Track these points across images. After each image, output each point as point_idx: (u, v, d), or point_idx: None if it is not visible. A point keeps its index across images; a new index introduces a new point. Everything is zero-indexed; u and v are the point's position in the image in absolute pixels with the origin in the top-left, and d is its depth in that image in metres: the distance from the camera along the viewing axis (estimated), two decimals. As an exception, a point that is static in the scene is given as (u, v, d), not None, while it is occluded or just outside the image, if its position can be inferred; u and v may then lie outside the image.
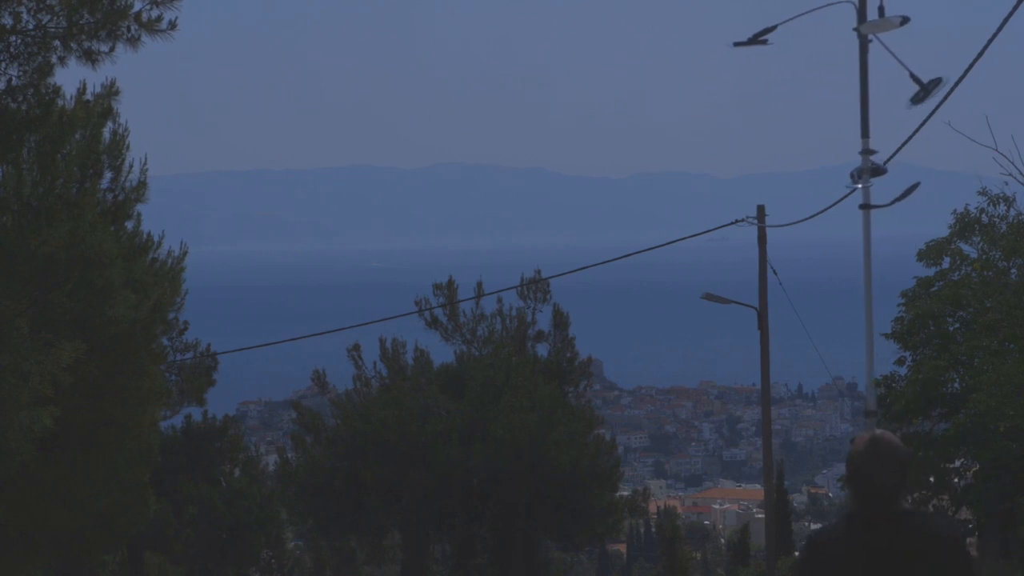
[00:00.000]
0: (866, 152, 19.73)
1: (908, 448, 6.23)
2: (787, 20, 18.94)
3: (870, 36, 19.02)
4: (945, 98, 13.92)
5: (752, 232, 27.54)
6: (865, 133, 19.56)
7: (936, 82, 18.44)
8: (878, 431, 6.34)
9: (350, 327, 31.02)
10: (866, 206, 19.85)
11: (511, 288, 39.60)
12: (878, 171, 19.89)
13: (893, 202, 21.23)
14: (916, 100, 18.81)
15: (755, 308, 27.65)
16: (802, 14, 18.90)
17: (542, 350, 39.93)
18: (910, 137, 16.03)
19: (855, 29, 19.62)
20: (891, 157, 17.29)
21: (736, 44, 19.34)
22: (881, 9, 18.25)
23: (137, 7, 13.51)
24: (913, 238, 43.12)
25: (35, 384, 14.70)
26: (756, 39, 19.15)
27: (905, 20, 18.16)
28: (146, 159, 19.38)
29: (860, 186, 17.88)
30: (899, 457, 6.22)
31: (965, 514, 31.31)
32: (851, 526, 6.29)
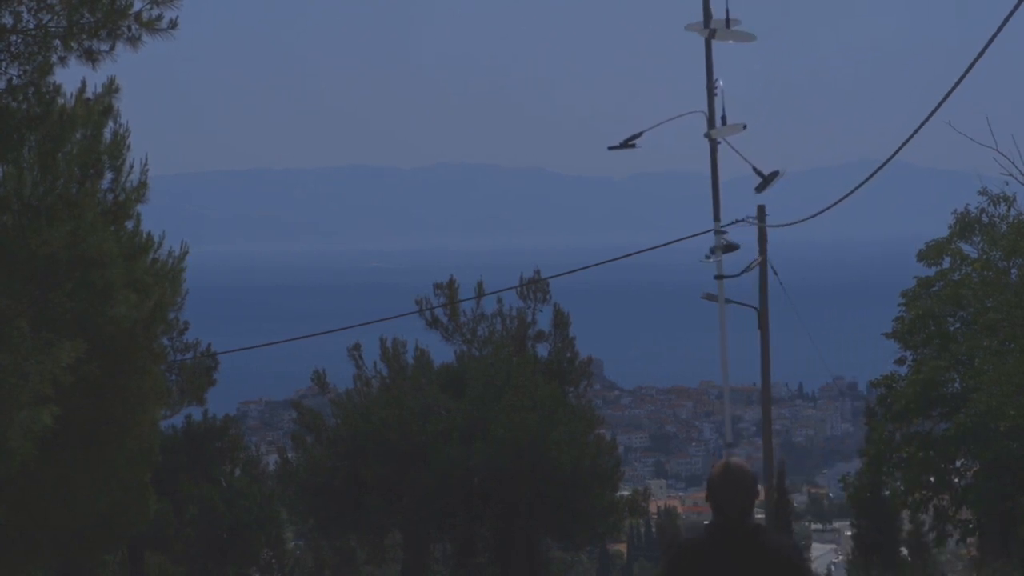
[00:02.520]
0: (719, 232, 23.20)
1: (754, 474, 7.58)
2: (650, 128, 22.87)
3: (719, 139, 22.62)
4: (945, 98, 13.94)
5: (752, 232, 27.56)
6: (717, 217, 22.99)
7: (774, 174, 22.43)
8: (732, 459, 7.54)
9: (350, 327, 31.02)
10: (720, 276, 23.39)
11: (511, 288, 39.61)
12: (731, 247, 23.56)
13: (741, 272, 25.68)
14: (759, 189, 22.86)
15: (755, 308, 27.68)
16: (660, 123, 22.77)
17: (542, 350, 39.95)
18: (908, 139, 16.05)
19: (706, 135, 22.99)
20: (889, 159, 17.33)
21: (610, 148, 23.13)
22: (723, 119, 22.24)
23: (137, 6, 13.55)
24: (913, 238, 43.09)
25: (35, 383, 14.70)
26: (627, 143, 22.90)
27: (745, 126, 22.23)
28: (147, 159, 19.32)
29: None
30: (747, 484, 7.40)
31: (965, 514, 31.30)
32: (711, 536, 7.43)
